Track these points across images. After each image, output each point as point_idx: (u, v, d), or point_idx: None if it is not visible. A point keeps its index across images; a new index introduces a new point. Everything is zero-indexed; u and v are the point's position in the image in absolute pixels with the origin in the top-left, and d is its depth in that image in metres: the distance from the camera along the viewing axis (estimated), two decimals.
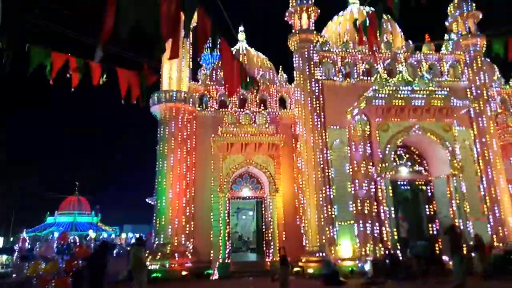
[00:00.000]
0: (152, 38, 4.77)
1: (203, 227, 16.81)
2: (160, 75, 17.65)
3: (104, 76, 8.63)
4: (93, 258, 10.17)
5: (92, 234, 37.30)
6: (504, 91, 19.38)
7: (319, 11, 18.24)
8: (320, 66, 17.84)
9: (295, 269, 15.28)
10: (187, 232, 16.26)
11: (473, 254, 13.77)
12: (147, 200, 27.88)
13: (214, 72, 20.82)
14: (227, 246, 16.59)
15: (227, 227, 17.02)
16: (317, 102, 17.05)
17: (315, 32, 17.99)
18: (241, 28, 24.51)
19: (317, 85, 17.28)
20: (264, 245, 17.37)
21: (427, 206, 16.84)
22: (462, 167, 15.80)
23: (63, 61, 8.12)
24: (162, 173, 16.62)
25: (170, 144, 16.80)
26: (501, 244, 15.77)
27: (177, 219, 16.05)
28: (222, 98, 18.92)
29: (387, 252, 14.51)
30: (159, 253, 15.32)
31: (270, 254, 16.62)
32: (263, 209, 18.12)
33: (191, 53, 18.32)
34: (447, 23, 19.64)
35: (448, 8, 19.53)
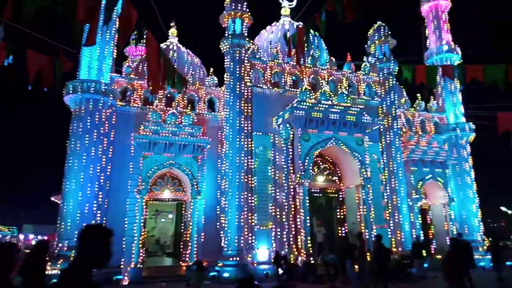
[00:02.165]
0: (68, 21, 4.30)
1: (116, 230, 15.64)
2: (78, 63, 16.17)
3: (10, 57, 7.62)
4: (28, 262, 8.40)
5: None
6: (409, 113, 21.82)
7: (252, 18, 18.55)
8: (250, 72, 18.15)
9: (211, 273, 15.13)
10: None
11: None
12: (52, 198, 25.31)
13: (140, 65, 19.79)
14: (141, 251, 15.75)
15: (143, 230, 16.16)
16: (246, 106, 17.30)
17: (247, 38, 18.25)
18: (172, 24, 23.71)
19: (246, 90, 17.53)
20: (181, 249, 16.89)
21: (338, 213, 18.09)
22: (370, 178, 17.31)
23: None
24: (72, 172, 14.94)
25: (84, 140, 15.24)
26: (399, 249, 17.58)
27: (85, 223, 14.63)
28: (148, 94, 18.00)
29: (300, 257, 15.19)
30: (62, 259, 13.90)
31: (187, 259, 16.20)
32: (183, 212, 17.64)
33: (115, 43, 17.07)
34: (366, 46, 21.55)
35: (368, 32, 21.44)
